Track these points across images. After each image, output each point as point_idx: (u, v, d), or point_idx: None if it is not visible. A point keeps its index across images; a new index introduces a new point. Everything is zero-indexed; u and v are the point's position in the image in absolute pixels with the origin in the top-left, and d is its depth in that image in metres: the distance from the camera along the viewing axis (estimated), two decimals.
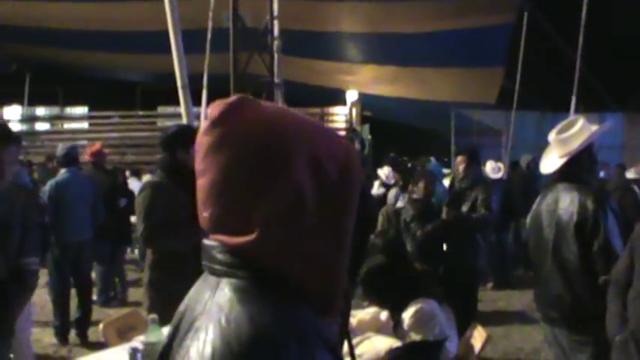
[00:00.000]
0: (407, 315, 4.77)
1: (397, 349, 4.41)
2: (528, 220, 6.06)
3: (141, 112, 26.89)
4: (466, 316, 6.64)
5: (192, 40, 10.45)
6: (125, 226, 12.15)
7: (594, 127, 5.61)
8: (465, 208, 8.93)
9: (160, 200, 6.02)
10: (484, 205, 8.83)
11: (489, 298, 12.83)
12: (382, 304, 4.95)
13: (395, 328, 4.88)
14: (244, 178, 1.63)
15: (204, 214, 1.69)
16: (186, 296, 1.78)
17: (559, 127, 5.62)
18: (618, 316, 4.74)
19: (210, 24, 13.71)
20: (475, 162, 9.42)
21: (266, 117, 1.68)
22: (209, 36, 13.80)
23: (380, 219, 12.38)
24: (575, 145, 5.48)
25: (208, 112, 1.72)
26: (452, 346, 4.84)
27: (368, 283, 4.94)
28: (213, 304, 1.64)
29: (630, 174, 12.85)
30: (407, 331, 4.75)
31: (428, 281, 5.62)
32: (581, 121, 5.58)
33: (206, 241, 1.71)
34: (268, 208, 1.62)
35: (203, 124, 1.68)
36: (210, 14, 13.66)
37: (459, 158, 9.53)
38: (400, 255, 5.16)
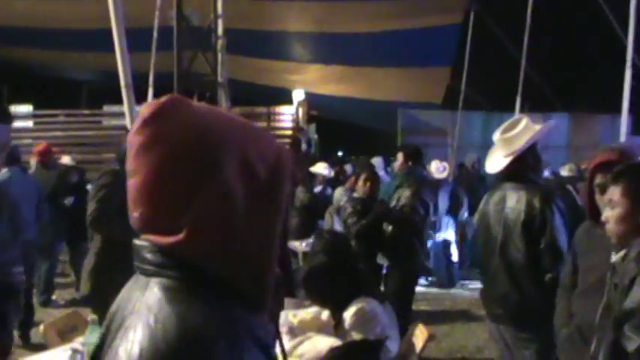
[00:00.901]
0: (348, 314, 4.73)
1: (337, 348, 4.38)
2: (476, 218, 6.09)
3: (86, 111, 26.55)
4: (401, 315, 6.64)
5: (138, 39, 10.38)
6: (78, 225, 12.03)
7: (538, 126, 5.64)
8: (392, 204, 8.94)
9: (116, 188, 5.97)
10: (409, 203, 8.83)
11: (434, 296, 12.90)
12: (323, 304, 4.92)
13: (336, 327, 4.84)
14: (174, 178, 1.62)
15: (134, 214, 1.67)
16: (118, 296, 1.76)
17: (503, 126, 5.65)
18: (564, 313, 4.79)
19: (156, 22, 13.63)
20: (414, 160, 9.41)
21: (197, 118, 1.68)
22: (155, 34, 13.73)
23: (327, 218, 12.40)
24: (519, 144, 5.51)
25: (141, 112, 1.71)
26: (393, 346, 4.81)
27: (309, 282, 4.91)
28: (143, 304, 1.63)
29: (564, 171, 12.96)
30: (348, 330, 4.71)
31: (369, 280, 5.61)
32: (524, 121, 5.61)
33: (136, 241, 1.68)
34: (197, 208, 1.62)
35: (135, 125, 1.68)
36: (157, 13, 13.59)
37: (398, 155, 9.56)
38: (341, 254, 5.14)
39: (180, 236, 1.61)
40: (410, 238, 8.80)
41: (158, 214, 1.65)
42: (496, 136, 5.69)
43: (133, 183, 1.67)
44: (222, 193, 1.63)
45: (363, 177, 9.40)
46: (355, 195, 9.52)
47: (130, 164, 1.68)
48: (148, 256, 1.67)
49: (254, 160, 1.69)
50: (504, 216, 5.57)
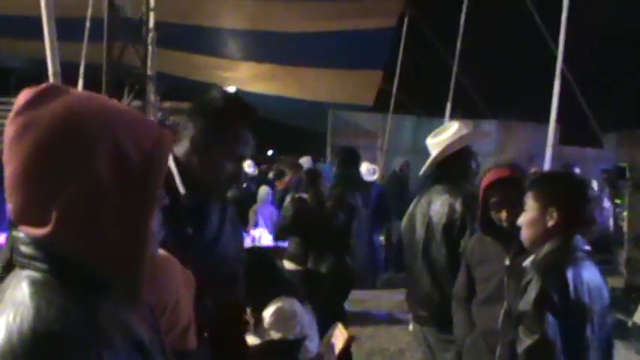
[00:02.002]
0: (267, 314, 4.77)
1: (256, 347, 4.36)
2: (403, 221, 6.16)
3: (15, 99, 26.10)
4: (333, 316, 6.64)
5: (69, 29, 10.23)
6: None
7: (467, 132, 5.70)
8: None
9: None
10: (330, 206, 8.86)
11: (358, 298, 12.89)
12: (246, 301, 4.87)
13: (255, 326, 4.85)
14: (43, 167, 1.57)
15: (9, 205, 1.60)
16: None
17: (435, 131, 5.73)
18: (465, 323, 4.94)
19: (89, 12, 13.49)
20: (347, 163, 9.45)
21: (69, 105, 1.62)
22: (87, 24, 13.59)
23: (250, 215, 12.39)
24: (447, 148, 5.57)
25: (16, 100, 1.66)
26: (313, 346, 4.84)
27: None
28: (9, 298, 1.57)
29: None
30: (267, 329, 4.75)
31: (290, 280, 5.59)
32: (455, 126, 5.68)
33: (14, 233, 1.62)
34: (66, 197, 1.56)
35: (10, 114, 1.63)
36: (90, 2, 13.44)
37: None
38: (262, 253, 5.13)
39: (49, 227, 1.57)
40: (334, 239, 8.83)
41: (30, 205, 1.60)
42: (427, 140, 5.76)
43: (6, 174, 1.62)
44: (91, 181, 1.58)
45: (289, 175, 9.42)
46: (297, 195, 9.55)
47: (4, 154, 1.63)
48: (22, 247, 1.63)
49: (128, 147, 1.64)
50: (428, 218, 5.66)
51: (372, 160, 16.44)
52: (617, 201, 9.78)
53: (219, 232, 3.38)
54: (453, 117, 17.68)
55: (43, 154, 1.56)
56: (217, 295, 3.26)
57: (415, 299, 5.82)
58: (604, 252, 8.82)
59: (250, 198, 13.46)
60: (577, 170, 13.17)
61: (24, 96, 1.63)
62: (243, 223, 12.00)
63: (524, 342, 3.58)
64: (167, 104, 20.20)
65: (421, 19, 20.50)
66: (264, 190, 13.16)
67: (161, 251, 2.46)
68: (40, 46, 8.98)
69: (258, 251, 5.07)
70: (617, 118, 22.49)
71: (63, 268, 1.57)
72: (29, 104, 1.58)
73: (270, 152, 28.83)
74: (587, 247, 3.81)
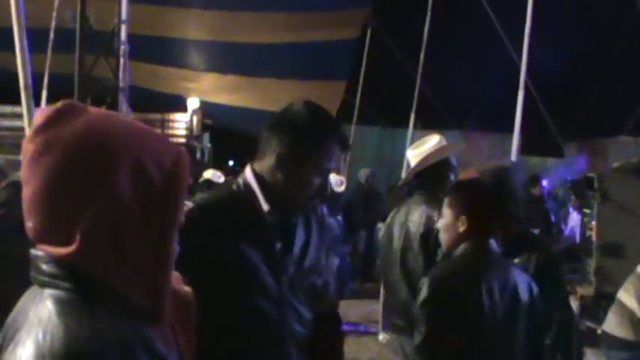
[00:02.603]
0: None
1: None
2: (382, 232, 6.22)
3: None
4: None
5: (35, 40, 10.17)
6: None
7: (447, 144, 5.77)
8: None
9: (18, 203, 5.76)
10: None
11: None
12: None
13: None
14: (66, 186, 1.58)
15: (28, 224, 1.63)
16: (15, 308, 1.71)
17: (416, 142, 5.82)
18: None
19: (53, 23, 13.44)
20: None
21: (90, 124, 1.64)
22: (52, 36, 13.54)
23: None
24: (426, 160, 5.64)
25: (34, 118, 1.66)
26: None
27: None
28: (34, 316, 1.58)
29: None
30: None
31: None
32: (436, 138, 5.76)
33: (33, 251, 1.63)
34: (90, 217, 1.58)
35: (28, 132, 1.63)
36: (55, 14, 13.39)
37: None
38: None
39: (73, 247, 1.58)
40: None
41: (51, 224, 1.61)
42: (407, 151, 5.86)
43: (26, 192, 1.64)
44: (114, 201, 1.60)
45: None
46: None
47: (23, 173, 1.65)
48: (43, 266, 1.66)
49: (150, 167, 1.67)
50: (406, 229, 5.71)
51: (337, 171, 16.45)
52: (586, 210, 9.87)
53: (307, 244, 3.37)
54: (416, 127, 17.75)
55: (66, 174, 1.57)
56: (312, 308, 3.32)
57: (392, 308, 5.89)
58: (573, 261, 8.91)
59: None
60: (543, 182, 13.32)
61: (42, 114, 1.63)
62: None
63: (418, 337, 3.83)
64: (132, 116, 20.13)
65: (384, 30, 20.58)
66: None
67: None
68: (3, 57, 8.94)
69: None
70: (578, 128, 22.70)
71: (87, 287, 1.58)
72: (49, 123, 1.58)
73: (231, 163, 28.72)
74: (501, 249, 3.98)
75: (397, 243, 5.78)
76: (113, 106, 12.27)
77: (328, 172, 3.28)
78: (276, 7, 21.25)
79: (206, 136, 24.57)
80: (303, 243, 3.33)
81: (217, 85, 25.04)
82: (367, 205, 14.13)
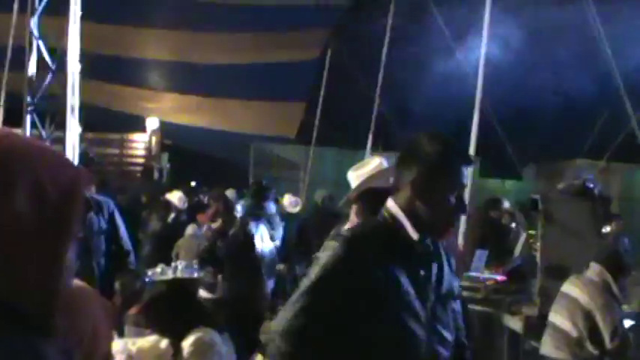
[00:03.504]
0: (186, 343, 4.76)
1: None
2: (322, 251, 6.19)
3: None
4: (248, 346, 6.69)
5: None
6: None
7: (387, 167, 5.76)
8: None
9: None
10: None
11: (268, 329, 12.88)
12: (162, 333, 4.90)
13: (175, 356, 4.85)
14: None
15: None
16: None
17: (358, 164, 5.79)
18: None
19: (10, 41, 13.41)
20: (257, 196, 9.55)
21: None
22: (9, 54, 13.50)
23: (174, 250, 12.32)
24: (366, 182, 5.63)
25: None
26: None
27: (149, 310, 4.91)
28: None
29: None
30: (186, 359, 4.76)
31: (209, 310, 5.62)
32: (377, 161, 5.73)
33: None
34: None
35: None
36: (12, 31, 13.36)
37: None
38: (182, 284, 5.14)
39: None
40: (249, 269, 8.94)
41: None
42: (349, 173, 5.81)
43: None
44: (9, 217, 1.62)
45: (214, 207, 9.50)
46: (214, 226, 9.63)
47: None
48: None
49: (46, 185, 1.69)
50: None
51: (295, 192, 16.50)
52: (531, 232, 9.98)
53: (441, 269, 3.47)
54: (375, 149, 17.86)
55: None
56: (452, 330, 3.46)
57: None
58: (519, 281, 9.00)
59: (176, 232, 13.31)
60: (506, 204, 13.44)
61: None
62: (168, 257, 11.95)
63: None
64: (90, 135, 20.08)
65: (343, 52, 20.70)
66: (192, 228, 13.09)
67: (78, 282, 2.51)
68: None
69: (177, 282, 5.07)
70: (536, 151, 22.92)
71: None
72: None
73: (193, 184, 28.64)
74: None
75: None
76: (63, 124, 12.22)
77: (463, 187, 3.39)
78: (237, 28, 21.33)
79: (165, 157, 24.54)
80: (440, 266, 3.44)
81: (177, 105, 25.04)
82: (323, 226, 14.11)
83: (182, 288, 5.15)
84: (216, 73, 22.63)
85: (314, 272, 3.16)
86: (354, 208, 5.63)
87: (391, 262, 3.16)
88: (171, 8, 20.56)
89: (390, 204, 3.35)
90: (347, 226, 4.26)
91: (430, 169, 3.28)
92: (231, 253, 9.25)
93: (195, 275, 5.35)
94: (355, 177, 5.66)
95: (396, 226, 3.27)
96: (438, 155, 3.29)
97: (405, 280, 3.17)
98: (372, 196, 5.70)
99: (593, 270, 6.59)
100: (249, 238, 9.27)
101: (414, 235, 3.26)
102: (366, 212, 5.72)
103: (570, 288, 6.47)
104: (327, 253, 3.22)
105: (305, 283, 3.18)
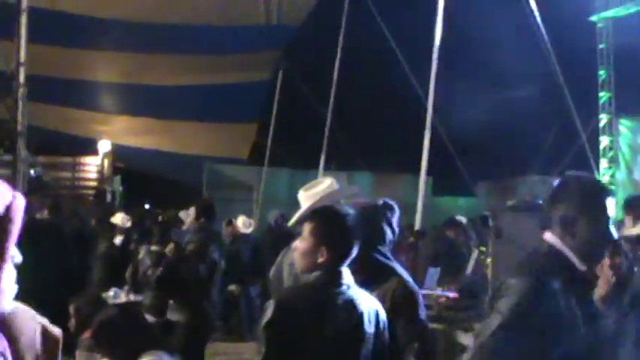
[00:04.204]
0: None
1: None
2: (272, 272, 6.20)
3: None
4: None
5: None
6: None
7: (337, 188, 5.78)
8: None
9: None
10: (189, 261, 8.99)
11: (232, 350, 12.86)
12: (112, 356, 4.89)
13: None
14: None
15: None
16: None
17: (308, 184, 5.79)
18: None
19: None
20: (206, 216, 9.53)
21: None
22: None
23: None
24: (316, 203, 5.63)
25: None
26: None
27: (99, 334, 4.88)
28: None
29: None
30: None
31: (158, 333, 5.60)
32: (327, 182, 5.75)
33: None
34: None
35: None
36: None
37: (190, 211, 9.65)
38: (131, 307, 5.13)
39: None
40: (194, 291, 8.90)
41: None
42: (299, 193, 5.81)
43: None
44: None
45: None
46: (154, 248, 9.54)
47: None
48: None
49: None
50: (295, 269, 5.69)
51: (248, 213, 16.49)
52: (482, 248, 10.06)
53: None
54: (328, 169, 17.92)
55: None
56: None
57: None
58: (471, 298, 9.04)
59: (126, 253, 13.22)
60: (463, 220, 13.55)
61: None
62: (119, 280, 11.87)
63: None
64: (42, 159, 19.91)
65: (295, 73, 20.77)
66: (144, 250, 12.99)
67: (16, 305, 2.50)
68: None
69: (127, 306, 5.05)
70: (488, 168, 23.12)
71: None
72: None
73: (147, 206, 28.52)
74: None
75: (287, 283, 5.73)
76: (12, 148, 12.13)
77: (608, 219, 3.55)
78: (188, 50, 21.31)
79: (117, 179, 24.37)
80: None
81: (129, 127, 24.90)
82: (277, 247, 14.09)
83: (132, 312, 5.13)
84: (168, 95, 22.59)
85: (507, 303, 3.27)
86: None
87: (568, 292, 3.34)
88: (122, 30, 20.49)
89: (552, 240, 3.49)
90: (300, 246, 4.27)
91: (582, 206, 3.47)
92: (179, 275, 9.19)
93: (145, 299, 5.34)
94: (305, 197, 5.67)
95: (563, 260, 3.44)
96: (587, 194, 3.50)
97: (577, 311, 3.34)
98: None
99: None
100: (204, 261, 9.24)
101: (582, 266, 3.44)
102: None
103: None
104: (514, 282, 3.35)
105: (500, 314, 3.27)
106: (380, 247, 4.75)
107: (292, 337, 3.81)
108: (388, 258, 4.78)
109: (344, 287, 3.97)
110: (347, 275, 4.01)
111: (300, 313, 3.82)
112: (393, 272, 4.77)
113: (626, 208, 6.62)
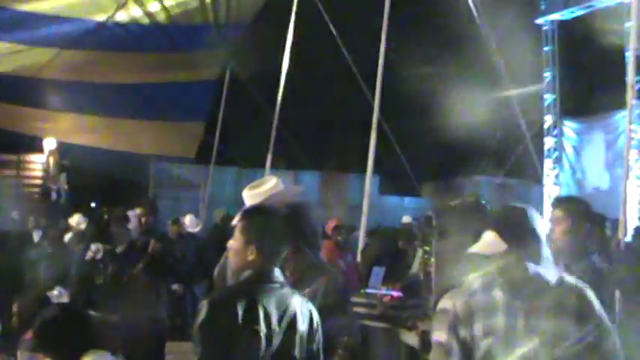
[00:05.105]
0: None
1: None
2: (216, 271, 6.20)
3: None
4: None
5: None
6: None
7: (282, 188, 5.79)
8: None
9: None
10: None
11: (186, 349, 12.79)
12: (54, 356, 4.84)
13: None
14: None
15: None
16: None
17: (253, 183, 5.79)
18: None
19: None
20: (153, 213, 9.55)
21: None
22: None
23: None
24: (258, 201, 5.64)
25: None
26: None
27: (40, 334, 4.83)
28: None
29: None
30: None
31: (102, 332, 5.56)
32: (273, 181, 5.76)
33: None
34: None
35: None
36: None
37: (137, 210, 9.62)
38: (74, 306, 5.09)
39: None
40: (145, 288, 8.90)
41: None
42: (244, 192, 5.80)
43: None
44: None
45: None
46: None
47: None
48: None
49: None
50: None
51: (195, 212, 16.45)
52: (426, 248, 10.13)
53: None
54: (275, 168, 17.93)
55: None
56: None
57: None
58: (414, 297, 9.11)
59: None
60: (409, 220, 13.66)
61: None
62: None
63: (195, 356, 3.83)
64: None
65: (243, 72, 20.75)
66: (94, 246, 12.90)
67: None
68: None
69: (70, 305, 5.01)
70: (434, 168, 23.29)
71: None
72: None
73: (93, 205, 28.26)
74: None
75: (230, 282, 5.72)
76: None
77: None
78: (136, 48, 21.18)
79: (63, 177, 24.10)
80: None
81: (75, 125, 24.62)
82: (222, 246, 14.08)
83: (75, 311, 5.09)
84: (115, 93, 22.41)
85: None
86: None
87: None
88: (68, 27, 20.27)
89: None
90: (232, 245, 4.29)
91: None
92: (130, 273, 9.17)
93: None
94: (250, 196, 5.68)
95: None
96: None
97: None
98: None
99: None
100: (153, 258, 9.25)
101: None
102: None
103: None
104: None
105: None
106: (310, 246, 4.80)
107: (226, 337, 3.80)
108: (318, 256, 4.83)
109: (275, 285, 3.99)
110: (278, 274, 4.04)
111: (233, 313, 3.80)
112: (323, 270, 4.83)
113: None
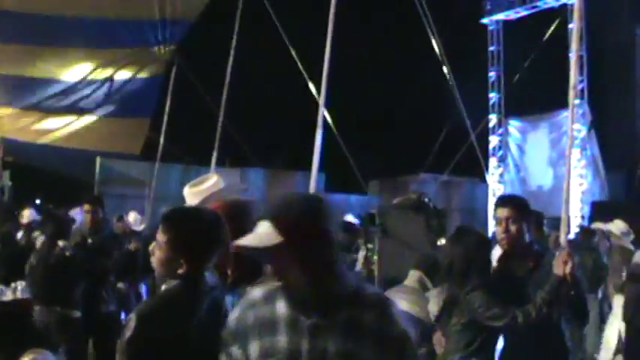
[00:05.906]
0: None
1: None
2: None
3: None
4: None
5: None
6: None
7: (224, 186, 5.77)
8: None
9: None
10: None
11: None
12: None
13: None
14: None
15: None
16: None
17: (194, 180, 5.77)
18: None
19: None
20: (102, 208, 9.50)
21: None
22: None
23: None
24: (203, 202, 5.62)
25: None
26: None
27: None
28: None
29: None
30: None
31: (43, 330, 5.53)
32: (214, 179, 5.75)
33: None
34: None
35: None
36: None
37: (85, 207, 9.55)
38: (15, 304, 5.04)
39: None
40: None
41: None
42: (185, 189, 5.78)
43: None
44: None
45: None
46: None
47: None
48: None
49: None
50: None
51: (140, 209, 16.35)
52: (369, 245, 10.22)
53: None
54: (221, 165, 17.89)
55: None
56: None
57: None
58: None
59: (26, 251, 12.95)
60: (349, 218, 13.75)
61: None
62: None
63: None
64: None
65: (189, 68, 20.69)
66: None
67: None
68: None
69: (10, 304, 4.97)
70: (380, 166, 23.40)
71: None
72: None
73: (37, 201, 27.98)
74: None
75: None
76: None
77: None
78: (80, 43, 21.02)
79: (6, 174, 23.84)
80: None
81: (19, 121, 24.33)
82: None
83: (15, 310, 5.05)
84: (59, 89, 22.21)
85: None
86: None
87: None
88: (13, 22, 20.03)
89: None
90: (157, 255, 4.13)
91: None
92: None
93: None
94: (191, 194, 5.67)
95: None
96: None
97: None
98: None
99: (412, 277, 6.80)
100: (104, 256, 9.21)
101: None
102: None
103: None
104: None
105: None
106: None
107: (157, 350, 3.61)
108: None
109: (208, 292, 3.85)
110: (209, 277, 3.88)
111: (163, 325, 3.65)
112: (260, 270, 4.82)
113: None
